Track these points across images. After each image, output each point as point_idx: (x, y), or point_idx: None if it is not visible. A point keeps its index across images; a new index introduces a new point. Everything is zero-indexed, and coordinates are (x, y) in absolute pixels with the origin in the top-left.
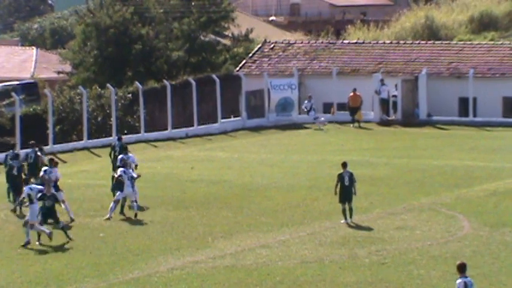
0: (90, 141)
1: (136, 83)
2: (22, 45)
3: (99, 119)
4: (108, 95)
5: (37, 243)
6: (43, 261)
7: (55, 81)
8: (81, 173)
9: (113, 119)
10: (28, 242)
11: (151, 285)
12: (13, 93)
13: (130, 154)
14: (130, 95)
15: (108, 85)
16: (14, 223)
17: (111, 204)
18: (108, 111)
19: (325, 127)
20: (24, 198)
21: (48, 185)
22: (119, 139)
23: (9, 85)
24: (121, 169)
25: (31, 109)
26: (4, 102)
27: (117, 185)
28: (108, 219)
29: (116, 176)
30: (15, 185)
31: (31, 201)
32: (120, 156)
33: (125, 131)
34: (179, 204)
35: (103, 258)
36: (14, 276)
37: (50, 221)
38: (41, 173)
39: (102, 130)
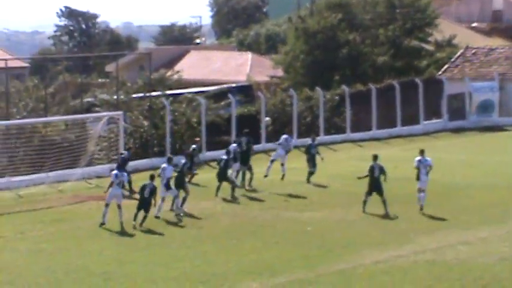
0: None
1: (343, 86)
2: (239, 50)
3: (307, 119)
4: (316, 97)
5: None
6: (256, 252)
7: (268, 84)
8: (291, 169)
9: (321, 120)
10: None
11: (356, 277)
12: (229, 95)
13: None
14: (337, 97)
15: (317, 88)
16: (229, 215)
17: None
18: (316, 112)
19: None
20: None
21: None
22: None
23: (226, 87)
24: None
25: (245, 110)
26: (221, 103)
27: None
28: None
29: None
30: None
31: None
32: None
33: (332, 131)
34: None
35: (311, 250)
36: (229, 265)
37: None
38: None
39: (311, 130)
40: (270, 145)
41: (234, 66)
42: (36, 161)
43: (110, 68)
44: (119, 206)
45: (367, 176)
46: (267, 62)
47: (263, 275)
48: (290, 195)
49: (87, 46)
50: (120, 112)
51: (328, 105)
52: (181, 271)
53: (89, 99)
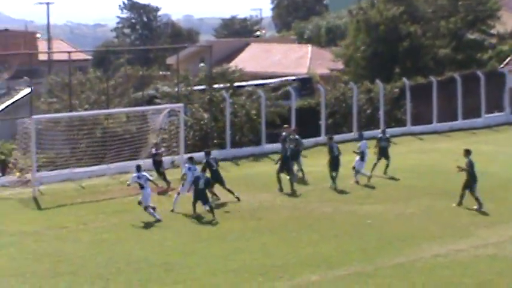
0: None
1: (404, 78)
2: (299, 43)
3: (368, 112)
4: (376, 90)
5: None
6: (315, 244)
7: (328, 77)
8: (347, 163)
9: (381, 113)
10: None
11: (416, 270)
12: (289, 88)
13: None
14: (397, 90)
15: (377, 80)
16: (288, 208)
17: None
18: (376, 105)
19: None
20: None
21: None
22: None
23: (286, 80)
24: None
25: (305, 102)
26: (279, 92)
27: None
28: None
29: None
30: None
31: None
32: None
33: (392, 124)
34: (444, 194)
35: (370, 243)
36: (288, 257)
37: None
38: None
39: (371, 123)
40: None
41: (293, 58)
42: (98, 152)
43: (170, 60)
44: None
45: (465, 169)
46: (327, 55)
47: (322, 268)
48: (349, 189)
49: (148, 39)
50: (180, 104)
51: (388, 98)
52: (241, 263)
53: (150, 92)
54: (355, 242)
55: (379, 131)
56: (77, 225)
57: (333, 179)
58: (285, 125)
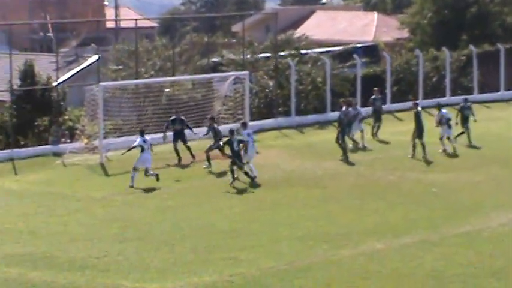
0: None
1: (471, 45)
2: (364, 10)
3: (433, 80)
4: (443, 58)
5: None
6: (380, 212)
7: (394, 44)
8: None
9: (447, 81)
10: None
11: (482, 239)
12: (354, 55)
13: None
14: (464, 57)
15: (444, 48)
16: (353, 176)
17: None
18: (442, 72)
19: None
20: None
21: None
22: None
23: (351, 47)
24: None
25: (371, 70)
26: (347, 64)
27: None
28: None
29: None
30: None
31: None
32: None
33: (459, 92)
34: (510, 162)
35: (436, 212)
36: (353, 225)
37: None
38: None
39: (437, 91)
40: (395, 106)
41: (359, 26)
42: (164, 119)
43: (236, 28)
44: (147, 170)
45: None
46: (392, 22)
47: (387, 236)
48: (415, 157)
49: (214, 6)
50: (246, 72)
51: (454, 66)
52: (305, 231)
53: (216, 59)
54: (421, 211)
55: (462, 98)
56: (143, 191)
57: (424, 147)
58: (375, 88)
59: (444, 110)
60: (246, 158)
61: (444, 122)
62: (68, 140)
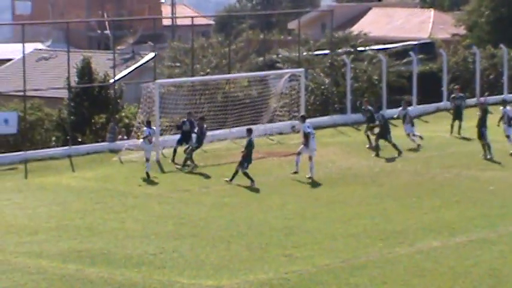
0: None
1: None
2: (421, 7)
3: (490, 77)
4: (500, 55)
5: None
6: (437, 210)
7: (450, 42)
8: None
9: (505, 78)
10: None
11: None
12: (411, 53)
13: None
14: None
15: (501, 45)
16: (410, 173)
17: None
18: (500, 70)
19: None
20: None
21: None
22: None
23: (407, 45)
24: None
25: (427, 67)
26: (403, 61)
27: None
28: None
29: None
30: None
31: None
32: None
33: None
34: None
35: (493, 210)
36: (409, 222)
37: None
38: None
39: (494, 88)
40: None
41: (415, 23)
42: (220, 117)
43: (292, 25)
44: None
45: None
46: (449, 19)
47: (443, 234)
48: (471, 154)
49: (270, 3)
50: (301, 69)
51: None
52: (361, 228)
53: (272, 56)
54: (478, 208)
55: None
56: (199, 188)
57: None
58: (456, 86)
59: (508, 107)
60: (308, 152)
61: (506, 120)
62: (125, 137)
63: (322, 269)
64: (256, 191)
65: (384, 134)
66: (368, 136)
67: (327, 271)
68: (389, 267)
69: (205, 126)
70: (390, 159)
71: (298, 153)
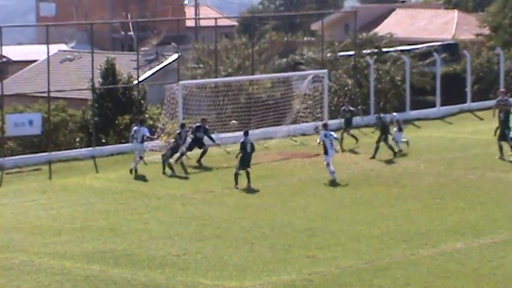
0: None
1: None
2: (445, 8)
3: None
4: None
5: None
6: (460, 211)
7: (474, 43)
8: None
9: None
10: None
11: None
12: (434, 54)
13: None
14: None
15: None
16: (433, 175)
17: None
18: None
19: None
20: None
21: None
22: None
23: (431, 46)
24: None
25: (451, 69)
26: (426, 62)
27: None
28: None
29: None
30: None
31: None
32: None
33: None
34: None
35: None
36: (433, 224)
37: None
38: None
39: None
40: (474, 104)
41: (439, 24)
42: (243, 118)
43: (315, 26)
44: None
45: None
46: (473, 20)
47: (467, 235)
48: (495, 156)
49: (293, 4)
50: (325, 70)
51: None
52: (385, 229)
53: (295, 58)
54: (502, 210)
55: None
56: (222, 189)
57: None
58: (502, 90)
59: None
60: (326, 159)
61: None
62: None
63: (346, 271)
64: (280, 192)
65: (382, 135)
66: (353, 136)
67: (350, 273)
68: (412, 269)
69: (206, 127)
70: (410, 161)
71: (327, 164)
